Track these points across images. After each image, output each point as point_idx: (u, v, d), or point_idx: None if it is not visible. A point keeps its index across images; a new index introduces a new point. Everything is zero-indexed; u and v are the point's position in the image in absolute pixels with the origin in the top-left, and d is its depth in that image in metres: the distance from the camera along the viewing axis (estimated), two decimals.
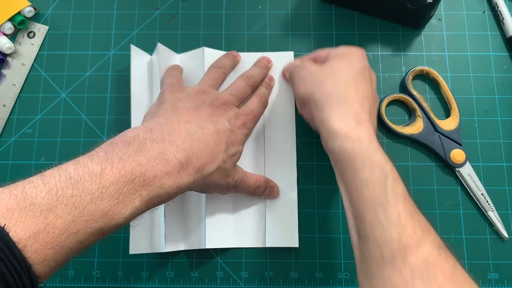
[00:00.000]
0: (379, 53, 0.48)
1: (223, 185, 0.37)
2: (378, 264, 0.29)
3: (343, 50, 0.39)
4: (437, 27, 0.48)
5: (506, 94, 0.46)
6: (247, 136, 0.40)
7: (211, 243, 0.41)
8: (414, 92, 0.45)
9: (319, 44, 0.48)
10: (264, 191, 0.42)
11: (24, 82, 0.47)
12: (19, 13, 0.48)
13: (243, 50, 0.47)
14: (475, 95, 0.46)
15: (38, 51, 0.48)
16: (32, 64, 0.48)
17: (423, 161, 0.45)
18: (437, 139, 0.44)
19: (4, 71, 0.47)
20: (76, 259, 0.28)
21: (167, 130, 0.33)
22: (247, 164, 0.43)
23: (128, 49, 0.45)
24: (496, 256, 0.42)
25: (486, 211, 0.43)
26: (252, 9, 0.49)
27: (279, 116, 0.45)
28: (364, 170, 0.31)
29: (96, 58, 0.48)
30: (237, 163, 0.39)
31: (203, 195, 0.42)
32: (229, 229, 0.43)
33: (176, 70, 0.44)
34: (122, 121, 0.46)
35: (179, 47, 0.48)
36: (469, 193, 0.44)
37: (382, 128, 0.46)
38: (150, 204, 0.30)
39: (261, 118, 0.45)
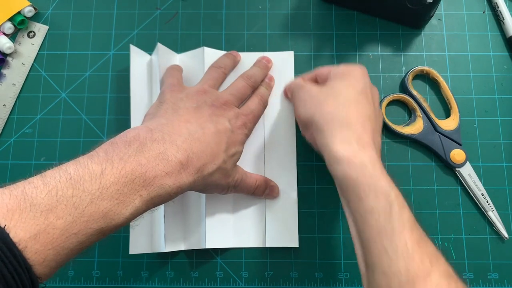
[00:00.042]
0: (379, 53, 0.48)
1: (223, 185, 0.37)
2: None
3: (344, 69, 0.38)
4: (437, 27, 0.48)
5: (506, 94, 0.46)
6: (247, 136, 0.40)
7: (211, 243, 0.41)
8: (414, 92, 0.45)
9: (319, 44, 0.48)
10: (264, 191, 0.42)
11: (24, 82, 0.47)
12: (19, 13, 0.48)
13: (243, 50, 0.47)
14: (475, 95, 0.46)
15: (38, 51, 0.48)
16: (32, 64, 0.48)
17: (423, 161, 0.45)
18: (437, 139, 0.44)
19: (4, 71, 0.47)
20: (76, 259, 0.27)
21: (168, 130, 0.33)
22: (247, 164, 0.43)
23: (128, 49, 0.45)
24: (496, 256, 0.42)
25: (486, 211, 0.43)
26: (252, 9, 0.49)
27: (279, 116, 0.45)
28: (368, 198, 0.30)
29: (96, 58, 0.48)
30: (237, 163, 0.39)
31: (203, 195, 0.42)
32: (229, 229, 0.43)
33: (176, 70, 0.44)
34: (122, 121, 0.46)
35: (179, 47, 0.48)
36: (469, 193, 0.44)
37: (382, 128, 0.45)
38: (151, 204, 0.30)
39: (261, 118, 0.45)
